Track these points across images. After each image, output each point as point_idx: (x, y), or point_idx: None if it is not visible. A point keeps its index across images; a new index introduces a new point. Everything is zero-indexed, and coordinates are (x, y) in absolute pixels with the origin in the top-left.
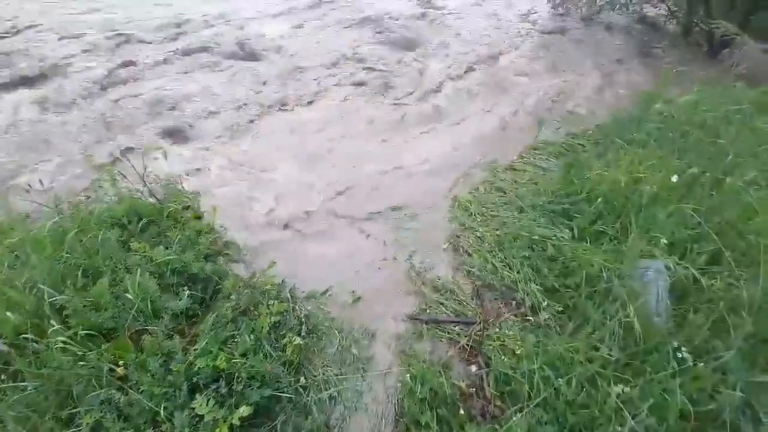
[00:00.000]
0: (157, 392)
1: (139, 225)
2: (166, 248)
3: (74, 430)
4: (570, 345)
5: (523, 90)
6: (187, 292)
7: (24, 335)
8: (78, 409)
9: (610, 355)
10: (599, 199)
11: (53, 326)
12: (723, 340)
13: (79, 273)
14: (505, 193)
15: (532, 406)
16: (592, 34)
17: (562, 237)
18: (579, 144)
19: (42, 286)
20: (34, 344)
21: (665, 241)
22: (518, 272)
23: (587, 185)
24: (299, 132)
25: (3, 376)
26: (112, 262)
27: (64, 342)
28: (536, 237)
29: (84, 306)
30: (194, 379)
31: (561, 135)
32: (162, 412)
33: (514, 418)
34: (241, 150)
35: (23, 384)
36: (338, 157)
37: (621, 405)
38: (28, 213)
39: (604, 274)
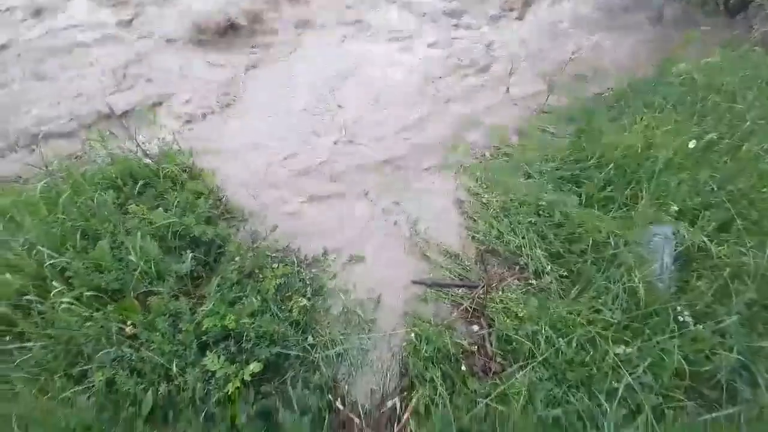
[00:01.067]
0: (168, 350)
1: (136, 188)
2: (166, 211)
3: (87, 386)
4: (572, 308)
5: (533, 52)
6: (191, 255)
7: (26, 296)
8: (89, 367)
9: (612, 318)
10: (610, 165)
11: (56, 287)
12: (725, 306)
13: (78, 235)
14: (512, 158)
15: (534, 363)
16: None
17: (570, 203)
18: (592, 108)
19: (41, 249)
20: (38, 305)
21: (676, 208)
22: (523, 238)
23: (599, 151)
24: None
25: (8, 338)
26: (110, 224)
27: (69, 302)
28: (543, 203)
29: (86, 268)
30: (203, 338)
31: (572, 99)
32: (174, 368)
33: (517, 375)
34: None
35: (29, 344)
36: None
37: (619, 364)
38: (17, 175)
39: (612, 241)
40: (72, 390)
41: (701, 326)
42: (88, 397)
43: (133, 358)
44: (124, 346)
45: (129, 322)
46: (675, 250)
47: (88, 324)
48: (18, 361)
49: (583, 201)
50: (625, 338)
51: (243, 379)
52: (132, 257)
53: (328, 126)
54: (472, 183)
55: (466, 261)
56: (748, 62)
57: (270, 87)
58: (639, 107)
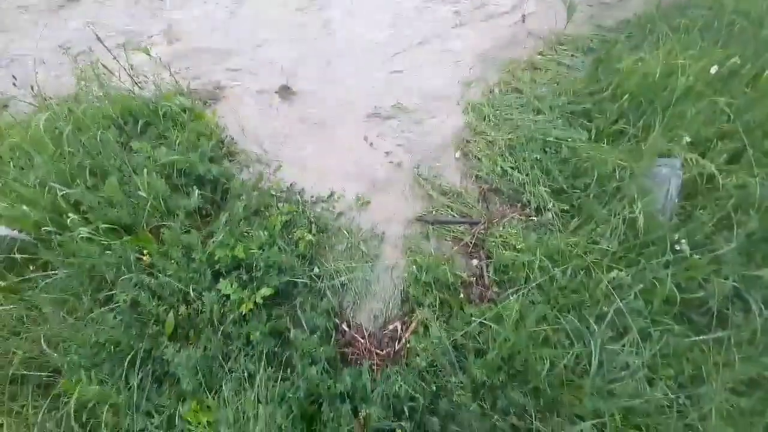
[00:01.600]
0: (184, 276)
1: (138, 126)
2: (166, 149)
3: (113, 306)
4: (570, 240)
5: None
6: (197, 192)
7: (46, 228)
8: (113, 292)
9: (609, 248)
10: (625, 96)
11: (73, 219)
12: (725, 237)
13: (86, 172)
14: (522, 93)
15: (526, 289)
16: None
17: (578, 139)
18: (612, 36)
19: (53, 184)
20: (58, 236)
21: (688, 139)
22: (527, 175)
23: (615, 81)
24: None
25: (32, 267)
26: (116, 161)
27: (89, 233)
28: (550, 139)
29: (99, 203)
30: (215, 268)
31: (592, 26)
32: (191, 292)
33: (511, 298)
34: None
35: (54, 273)
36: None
37: (611, 290)
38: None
39: (617, 173)
40: (99, 311)
41: (697, 255)
42: (114, 317)
43: (152, 284)
44: (143, 273)
45: (145, 252)
46: (681, 181)
47: (108, 253)
48: (44, 285)
49: (593, 136)
50: (619, 267)
51: (255, 301)
52: (141, 193)
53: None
54: (479, 121)
55: (468, 199)
56: None
57: None
58: (663, 32)
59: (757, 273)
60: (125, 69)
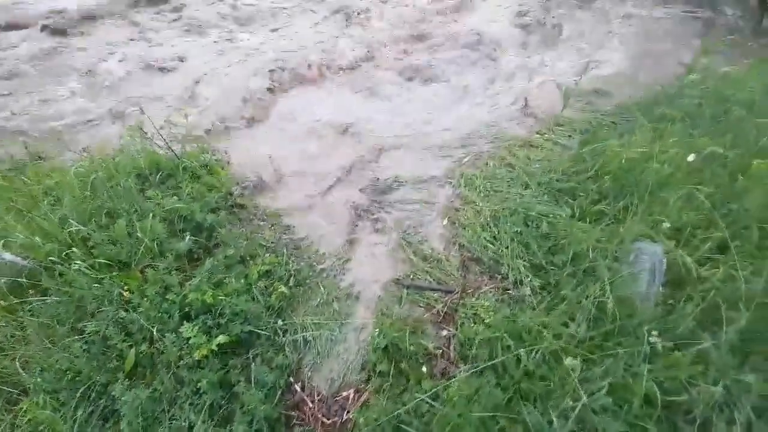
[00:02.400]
0: (153, 315)
1: (158, 177)
2: (176, 198)
3: (85, 337)
4: (542, 320)
5: (549, 60)
6: (188, 237)
7: (52, 258)
8: (91, 322)
9: (576, 332)
10: (606, 178)
11: (75, 253)
12: (713, 332)
13: (103, 213)
14: (514, 169)
15: (481, 367)
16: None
17: (559, 215)
18: (607, 120)
19: (71, 221)
20: (59, 266)
21: (668, 225)
22: (507, 247)
23: (599, 163)
24: None
25: (32, 291)
26: (130, 206)
27: (89, 267)
28: (532, 213)
29: (104, 240)
30: (187, 310)
31: (589, 110)
32: (155, 331)
33: (463, 378)
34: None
35: (47, 298)
36: None
37: (576, 381)
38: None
39: (590, 253)
40: (71, 338)
41: (679, 352)
42: (81, 347)
43: (125, 319)
44: (122, 308)
45: (126, 288)
46: (664, 269)
47: (96, 286)
48: (35, 309)
49: (576, 214)
50: (585, 354)
51: (211, 348)
52: (139, 234)
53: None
54: (470, 191)
55: (448, 267)
56: None
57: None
58: (653, 119)
59: (746, 379)
60: (159, 130)
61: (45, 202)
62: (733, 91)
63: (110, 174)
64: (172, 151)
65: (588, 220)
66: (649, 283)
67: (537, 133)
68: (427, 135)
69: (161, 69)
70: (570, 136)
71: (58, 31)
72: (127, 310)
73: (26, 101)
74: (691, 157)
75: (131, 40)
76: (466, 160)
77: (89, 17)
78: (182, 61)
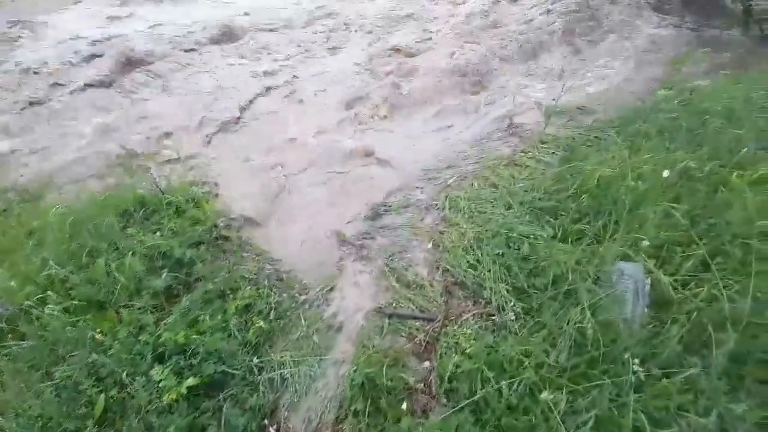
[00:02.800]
0: (125, 358)
1: (142, 213)
2: (159, 233)
3: (56, 382)
4: (522, 347)
5: (531, 77)
6: (165, 273)
7: (28, 303)
8: (62, 367)
9: (556, 362)
10: (584, 196)
11: (51, 296)
12: (702, 356)
13: (84, 254)
14: (497, 188)
15: (460, 405)
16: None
17: (540, 236)
18: (590, 136)
19: (51, 263)
20: (35, 310)
21: (647, 243)
22: (489, 270)
23: (577, 181)
24: None
25: (10, 336)
26: (110, 245)
27: (64, 309)
28: (513, 235)
29: (81, 281)
30: (160, 350)
31: (573, 127)
32: (124, 375)
33: (436, 419)
34: None
35: (24, 343)
36: None
37: (558, 416)
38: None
39: (569, 276)
40: (44, 384)
41: (667, 379)
42: (54, 393)
43: (97, 363)
44: (95, 351)
45: (99, 330)
46: (648, 290)
47: (70, 328)
48: (13, 354)
49: (558, 234)
50: (572, 386)
51: (180, 392)
52: (115, 273)
53: None
54: (455, 213)
55: (431, 293)
56: (764, 84)
57: None
58: (629, 134)
59: (738, 410)
60: (146, 166)
61: (30, 243)
62: (710, 103)
63: (93, 213)
64: (157, 186)
65: (569, 239)
66: (633, 305)
67: (522, 151)
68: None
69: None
70: (553, 153)
71: None
72: (99, 354)
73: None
74: (666, 173)
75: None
76: (451, 181)
77: None
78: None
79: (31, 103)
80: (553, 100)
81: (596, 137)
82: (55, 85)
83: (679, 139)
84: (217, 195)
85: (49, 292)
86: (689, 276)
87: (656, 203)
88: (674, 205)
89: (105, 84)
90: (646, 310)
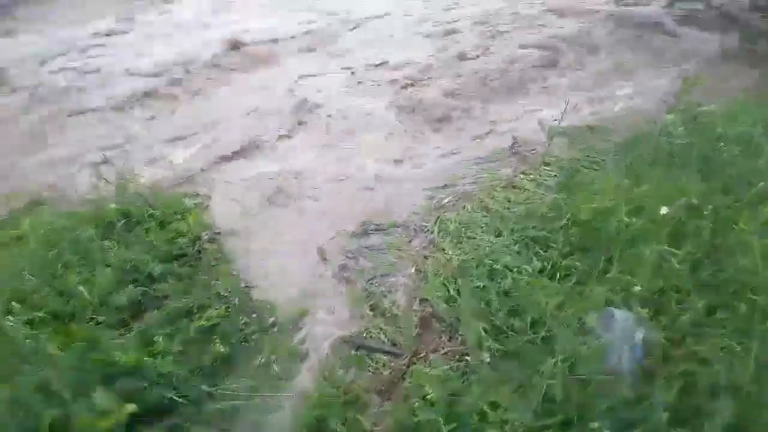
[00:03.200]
0: (72, 376)
1: (122, 224)
2: (137, 246)
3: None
4: (489, 399)
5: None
6: (129, 288)
7: None
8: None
9: (521, 423)
10: (573, 230)
11: (16, 308)
12: (693, 428)
13: (60, 264)
14: (489, 212)
15: None
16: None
17: (525, 269)
18: (595, 160)
19: (25, 273)
20: None
21: (639, 288)
22: (468, 305)
23: (571, 210)
24: None
25: None
26: (84, 256)
27: (28, 321)
28: (497, 267)
29: (50, 293)
30: (109, 370)
31: (578, 149)
32: (68, 395)
33: None
34: None
35: None
36: None
37: None
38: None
39: (549, 319)
40: None
41: None
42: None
43: (44, 379)
44: (47, 366)
45: (58, 346)
46: (639, 342)
47: (29, 341)
48: None
49: (547, 268)
50: None
51: (118, 419)
52: (80, 287)
53: None
54: (443, 237)
55: (406, 324)
56: None
57: None
58: (635, 160)
59: None
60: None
61: (10, 251)
62: (725, 127)
63: (73, 222)
64: (143, 197)
65: (558, 275)
66: (618, 361)
67: (522, 173)
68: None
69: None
70: (555, 175)
71: None
72: (49, 369)
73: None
74: (664, 210)
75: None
76: (446, 201)
77: None
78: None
79: None
80: (555, 120)
81: (600, 161)
82: None
83: (687, 168)
84: (207, 206)
85: (13, 303)
86: (686, 330)
87: (653, 243)
88: (672, 249)
89: None
90: (633, 366)
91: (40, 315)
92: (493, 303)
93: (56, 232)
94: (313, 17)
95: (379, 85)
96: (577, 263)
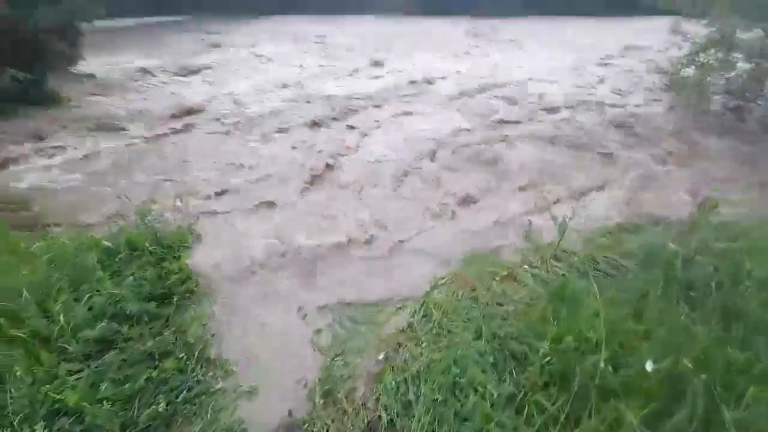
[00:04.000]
0: (25, 404)
1: (122, 256)
2: (129, 279)
3: None
4: None
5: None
6: (104, 324)
7: None
8: None
9: None
10: (551, 359)
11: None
12: None
13: (57, 287)
14: (479, 305)
15: None
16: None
17: (491, 393)
18: (600, 267)
19: (24, 294)
20: None
21: None
22: (419, 420)
23: (553, 331)
24: None
25: None
26: (75, 283)
27: (10, 340)
28: (462, 380)
29: (36, 315)
30: (57, 406)
31: (592, 249)
32: (15, 422)
33: None
34: None
35: None
36: None
37: None
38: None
39: None
40: None
41: None
42: None
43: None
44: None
45: (22, 367)
46: None
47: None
48: None
49: (518, 395)
50: None
51: None
52: (60, 315)
53: None
54: (423, 325)
55: (353, 423)
56: None
57: None
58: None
59: None
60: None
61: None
62: (758, 260)
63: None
64: (148, 227)
65: (527, 409)
66: None
67: (528, 264)
68: None
69: None
70: (564, 274)
71: None
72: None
73: None
74: (649, 366)
75: None
76: (441, 282)
77: None
78: None
79: None
80: (568, 218)
81: (604, 273)
82: None
83: (700, 307)
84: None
85: (2, 320)
86: None
87: (635, 403)
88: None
89: None
90: None
91: (20, 334)
92: (448, 421)
93: (64, 255)
94: None
95: None
96: (549, 403)
